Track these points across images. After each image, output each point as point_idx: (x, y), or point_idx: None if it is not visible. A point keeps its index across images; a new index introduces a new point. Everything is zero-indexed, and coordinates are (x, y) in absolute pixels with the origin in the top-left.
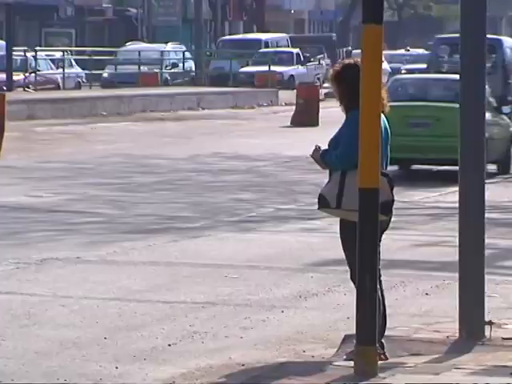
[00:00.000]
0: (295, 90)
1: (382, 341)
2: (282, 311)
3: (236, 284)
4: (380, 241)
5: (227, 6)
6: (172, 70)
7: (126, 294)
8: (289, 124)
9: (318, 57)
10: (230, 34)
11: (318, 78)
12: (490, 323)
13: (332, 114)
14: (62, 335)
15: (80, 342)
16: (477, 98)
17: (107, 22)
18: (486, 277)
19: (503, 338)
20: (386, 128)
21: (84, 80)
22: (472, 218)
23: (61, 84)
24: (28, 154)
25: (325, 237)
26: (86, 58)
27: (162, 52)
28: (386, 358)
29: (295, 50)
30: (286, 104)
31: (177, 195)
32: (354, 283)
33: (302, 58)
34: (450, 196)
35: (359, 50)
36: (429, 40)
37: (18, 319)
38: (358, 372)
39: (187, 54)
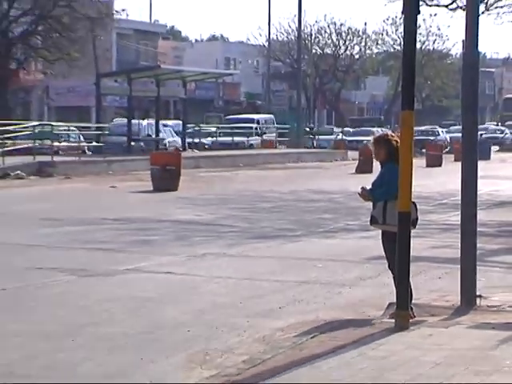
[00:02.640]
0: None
1: (412, 306)
2: (350, 287)
3: (321, 270)
4: None
5: (316, 99)
6: (280, 138)
7: (253, 276)
8: (354, 172)
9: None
10: (317, 119)
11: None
12: (480, 296)
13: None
14: (214, 301)
15: (225, 305)
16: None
17: (243, 109)
18: (477, 267)
19: (487, 306)
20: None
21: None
22: (468, 232)
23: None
24: (194, 190)
25: (376, 241)
26: (229, 130)
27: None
28: (414, 317)
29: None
30: (352, 159)
31: (284, 215)
32: (391, 270)
33: None
34: (454, 217)
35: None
36: (442, 120)
37: (187, 291)
38: (397, 326)
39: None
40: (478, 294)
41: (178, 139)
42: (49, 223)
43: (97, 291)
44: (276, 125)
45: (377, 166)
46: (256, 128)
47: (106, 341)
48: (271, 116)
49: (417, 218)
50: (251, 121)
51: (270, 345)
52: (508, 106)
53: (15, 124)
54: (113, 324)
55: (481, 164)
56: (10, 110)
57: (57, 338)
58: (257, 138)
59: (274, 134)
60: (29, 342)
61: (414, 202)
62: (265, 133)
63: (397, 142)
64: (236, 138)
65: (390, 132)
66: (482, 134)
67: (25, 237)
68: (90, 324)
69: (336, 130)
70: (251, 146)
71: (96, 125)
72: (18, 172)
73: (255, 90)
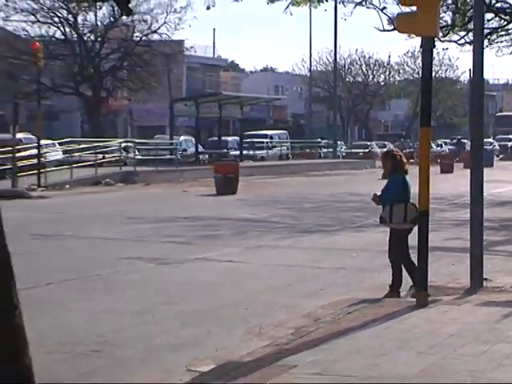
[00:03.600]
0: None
1: (400, 291)
2: (378, 273)
3: (355, 259)
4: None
5: (349, 119)
6: (319, 150)
7: (299, 264)
8: (380, 177)
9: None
10: (350, 135)
11: None
12: (486, 279)
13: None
14: (267, 284)
15: (276, 287)
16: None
17: (289, 127)
18: (483, 255)
19: (492, 287)
20: (407, 181)
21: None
22: (476, 226)
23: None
24: (249, 193)
25: None
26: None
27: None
28: (399, 296)
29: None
30: (379, 167)
31: (323, 213)
32: (391, 262)
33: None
34: (464, 214)
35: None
36: (452, 135)
37: (245, 276)
38: (417, 303)
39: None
40: (484, 277)
41: (236, 152)
42: (132, 221)
43: (172, 276)
44: (289, 139)
45: None
46: (268, 142)
47: (179, 317)
48: (285, 132)
49: (417, 216)
50: (265, 136)
51: (313, 320)
52: (498, 122)
53: (105, 141)
54: (185, 303)
55: (485, 170)
56: (102, 129)
57: (140, 314)
58: (271, 151)
59: (285, 147)
60: (118, 317)
61: (414, 204)
62: (275, 146)
63: (400, 156)
64: (251, 152)
65: (394, 148)
66: None
67: (114, 232)
68: (166, 303)
69: (368, 143)
70: (262, 158)
71: (170, 141)
72: (108, 180)
73: (299, 111)
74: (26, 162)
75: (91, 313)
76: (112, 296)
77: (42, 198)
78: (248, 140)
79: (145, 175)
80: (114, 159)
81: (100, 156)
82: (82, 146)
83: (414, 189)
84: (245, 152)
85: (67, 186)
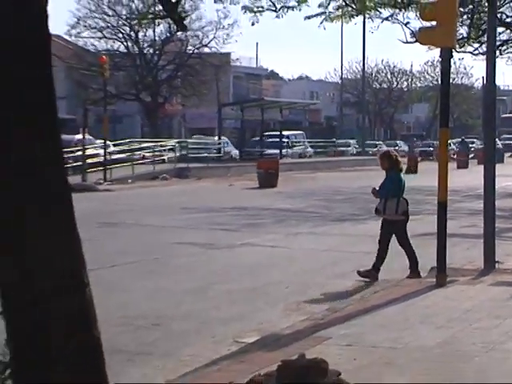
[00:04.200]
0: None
1: (419, 270)
2: (402, 256)
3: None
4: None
5: (376, 121)
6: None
7: (332, 248)
8: (404, 173)
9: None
10: (377, 135)
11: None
12: (498, 262)
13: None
14: (304, 266)
15: (312, 269)
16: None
17: (322, 129)
18: (496, 241)
19: (504, 269)
20: (402, 178)
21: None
22: (489, 214)
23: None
24: (288, 187)
25: (419, 223)
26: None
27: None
28: (377, 279)
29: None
30: (403, 163)
31: (353, 204)
32: (379, 244)
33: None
34: (478, 204)
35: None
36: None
37: (286, 259)
38: (437, 283)
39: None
40: (496, 260)
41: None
42: (186, 211)
43: (221, 259)
44: (306, 139)
45: (421, 167)
46: (287, 142)
47: (228, 295)
48: (302, 132)
49: (407, 210)
50: (283, 136)
51: (344, 297)
52: (504, 123)
53: (162, 141)
54: (233, 282)
55: (497, 166)
56: (159, 131)
57: (192, 292)
58: (290, 150)
59: (303, 147)
60: (174, 295)
61: (405, 199)
62: (294, 145)
63: (396, 156)
64: (270, 151)
65: (391, 149)
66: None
67: (169, 221)
68: (216, 283)
69: (376, 143)
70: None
71: (218, 140)
72: (164, 175)
73: (331, 114)
74: (93, 160)
75: (150, 291)
76: (168, 276)
77: (107, 191)
78: (270, 140)
79: (196, 171)
80: (169, 157)
81: (157, 154)
82: (142, 146)
83: (434, 183)
84: (268, 151)
85: (129, 181)
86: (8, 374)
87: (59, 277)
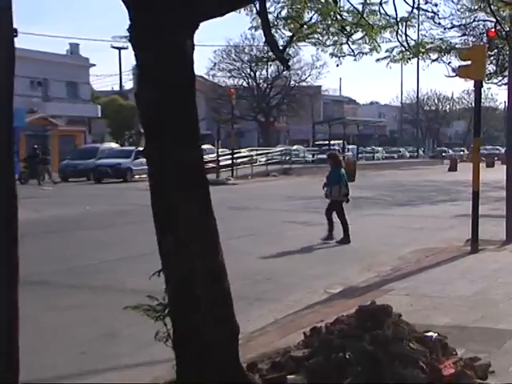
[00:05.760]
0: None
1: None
2: (445, 231)
3: (430, 222)
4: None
5: (427, 134)
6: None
7: (394, 225)
8: (447, 171)
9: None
10: (427, 144)
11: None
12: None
13: (464, 167)
14: (374, 238)
15: (379, 240)
16: None
17: (387, 140)
18: None
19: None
20: (342, 172)
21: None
22: (510, 200)
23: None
24: (363, 181)
25: (459, 207)
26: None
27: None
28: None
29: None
30: (446, 164)
31: (410, 193)
32: (327, 218)
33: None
34: (502, 193)
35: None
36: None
37: (362, 233)
38: (471, 251)
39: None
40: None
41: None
42: (289, 198)
43: (314, 233)
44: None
45: (460, 167)
46: (331, 148)
47: (319, 258)
48: (342, 141)
49: (347, 193)
50: (328, 144)
51: (403, 260)
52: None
53: (272, 149)
54: (322, 250)
55: None
56: (269, 142)
57: (294, 256)
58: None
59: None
60: (280, 258)
61: (346, 186)
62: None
63: (338, 156)
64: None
65: (335, 152)
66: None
67: (278, 205)
68: (311, 250)
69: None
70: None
71: (312, 148)
72: (274, 173)
73: (394, 128)
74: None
75: (265, 256)
76: (278, 245)
77: (234, 185)
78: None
79: (297, 170)
80: (277, 160)
81: (269, 158)
82: (258, 152)
83: (469, 177)
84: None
85: (249, 177)
86: (166, 312)
87: (202, 242)
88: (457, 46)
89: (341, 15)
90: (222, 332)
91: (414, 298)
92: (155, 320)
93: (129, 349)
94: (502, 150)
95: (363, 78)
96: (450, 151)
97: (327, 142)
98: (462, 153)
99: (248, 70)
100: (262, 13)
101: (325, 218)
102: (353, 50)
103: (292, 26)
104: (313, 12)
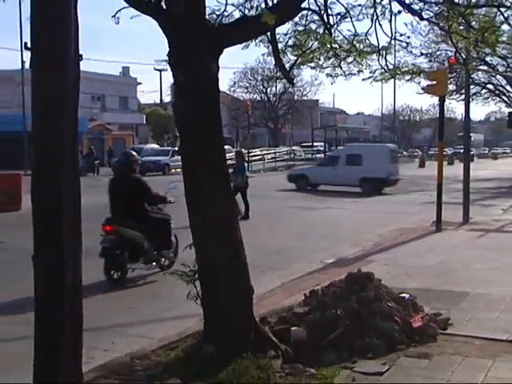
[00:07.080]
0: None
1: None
2: (421, 214)
3: (402, 208)
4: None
5: (401, 137)
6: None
7: (387, 210)
8: (418, 167)
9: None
10: (400, 147)
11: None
12: (470, 218)
13: (431, 164)
14: (360, 220)
15: (365, 222)
16: None
17: (370, 142)
18: (470, 206)
19: (473, 222)
20: (245, 166)
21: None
22: (466, 191)
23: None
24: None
25: (427, 195)
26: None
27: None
28: None
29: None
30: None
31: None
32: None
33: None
34: (459, 185)
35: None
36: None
37: (348, 217)
38: (436, 230)
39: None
40: (470, 217)
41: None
42: (292, 189)
43: (313, 216)
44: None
45: (428, 164)
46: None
47: (317, 234)
48: (324, 143)
49: (247, 181)
50: (312, 146)
51: (383, 237)
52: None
53: (279, 149)
54: (316, 231)
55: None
56: (278, 143)
57: (298, 234)
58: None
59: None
60: (287, 235)
61: (247, 176)
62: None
63: (243, 153)
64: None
65: (241, 149)
66: None
67: (284, 194)
68: (313, 229)
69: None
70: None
71: (313, 149)
72: (281, 169)
73: (376, 133)
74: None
75: (275, 233)
76: (284, 225)
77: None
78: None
79: (299, 165)
80: (283, 158)
81: (277, 156)
82: (268, 151)
83: (434, 172)
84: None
85: (261, 172)
86: (196, 277)
87: (224, 221)
88: (425, 69)
89: (335, 43)
90: (239, 293)
91: (391, 267)
92: (187, 283)
93: (167, 305)
94: (461, 151)
95: (352, 94)
96: (419, 151)
97: (310, 144)
98: (430, 152)
99: (261, 87)
100: (273, 42)
101: (309, 204)
102: (344, 72)
103: (296, 52)
104: (313, 41)
